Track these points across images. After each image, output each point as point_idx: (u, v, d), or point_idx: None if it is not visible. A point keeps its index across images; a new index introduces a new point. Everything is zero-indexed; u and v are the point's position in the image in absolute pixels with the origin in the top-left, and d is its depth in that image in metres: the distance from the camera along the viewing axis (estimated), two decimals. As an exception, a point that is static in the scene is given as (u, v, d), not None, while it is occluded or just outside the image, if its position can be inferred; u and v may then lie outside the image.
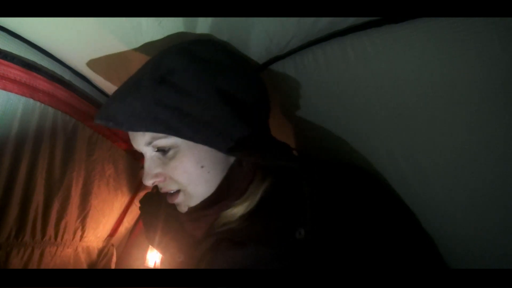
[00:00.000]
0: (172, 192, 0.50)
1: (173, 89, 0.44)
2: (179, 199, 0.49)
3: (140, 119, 0.43)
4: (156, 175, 0.48)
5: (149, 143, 0.47)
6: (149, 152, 0.48)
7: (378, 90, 0.44)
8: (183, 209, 0.51)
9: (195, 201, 0.49)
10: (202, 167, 0.47)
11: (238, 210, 0.48)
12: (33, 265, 0.71)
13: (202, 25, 0.51)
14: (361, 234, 0.42)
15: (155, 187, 0.63)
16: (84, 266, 0.89)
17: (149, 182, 0.48)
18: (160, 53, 0.50)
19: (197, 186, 0.48)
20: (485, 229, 0.38)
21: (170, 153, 0.47)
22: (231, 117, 0.45)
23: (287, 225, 0.44)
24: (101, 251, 0.98)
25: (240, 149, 0.45)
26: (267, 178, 0.49)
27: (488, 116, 0.33)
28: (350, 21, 0.43)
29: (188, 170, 0.47)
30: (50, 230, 0.75)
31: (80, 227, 0.85)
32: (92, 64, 0.66)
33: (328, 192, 0.45)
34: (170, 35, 0.53)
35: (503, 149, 0.33)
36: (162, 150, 0.47)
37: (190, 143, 0.45)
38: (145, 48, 0.57)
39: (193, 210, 0.50)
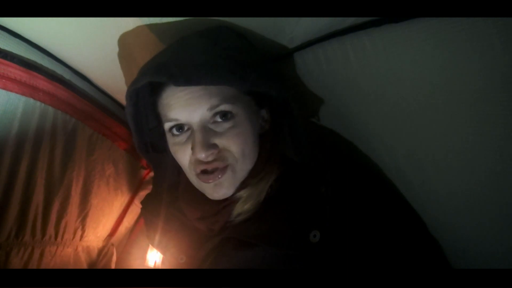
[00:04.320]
0: (217, 169, 0.48)
1: (229, 48, 0.48)
2: (224, 177, 0.48)
3: (217, 71, 0.44)
4: (212, 146, 0.47)
5: (215, 107, 0.46)
6: (204, 123, 0.47)
7: (378, 89, 0.44)
8: (222, 192, 0.49)
9: (238, 179, 0.49)
10: (253, 141, 0.49)
11: (250, 194, 0.49)
12: (33, 265, 0.71)
13: (201, 24, 0.51)
14: (372, 239, 0.42)
15: (156, 187, 0.63)
16: (84, 266, 0.89)
17: (204, 153, 0.46)
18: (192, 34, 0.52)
19: (247, 160, 0.49)
20: (485, 227, 0.38)
21: (231, 121, 0.47)
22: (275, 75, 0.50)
23: (300, 225, 0.43)
24: (101, 251, 0.98)
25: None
26: (280, 167, 0.50)
27: (488, 115, 0.33)
28: (350, 20, 0.43)
29: (246, 140, 0.48)
30: (50, 230, 0.75)
31: (80, 227, 0.84)
32: (92, 63, 0.66)
33: (343, 194, 0.45)
34: (170, 34, 0.53)
35: (503, 148, 0.33)
36: (223, 118, 0.47)
37: (247, 113, 0.48)
38: (146, 46, 0.57)
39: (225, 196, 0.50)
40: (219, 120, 0.47)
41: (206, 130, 0.47)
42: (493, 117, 0.32)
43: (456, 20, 0.32)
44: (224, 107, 0.46)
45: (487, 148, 0.34)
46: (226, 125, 0.47)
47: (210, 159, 0.47)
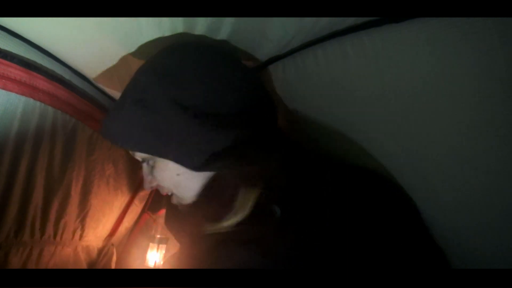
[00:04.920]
0: (169, 194, 0.53)
1: (148, 108, 0.45)
2: (174, 200, 0.53)
3: (122, 139, 0.47)
4: (151, 180, 0.51)
5: (133, 154, 0.51)
6: (144, 159, 0.51)
7: (378, 90, 0.44)
8: (181, 209, 0.54)
9: (186, 202, 0.51)
10: (178, 175, 0.48)
11: (231, 222, 0.47)
12: (32, 264, 0.71)
13: (202, 25, 0.51)
14: (373, 243, 0.41)
15: None
16: (84, 266, 0.89)
17: (147, 186, 0.53)
18: (139, 68, 0.52)
19: (182, 190, 0.50)
20: (485, 227, 0.38)
21: (150, 163, 0.50)
22: (201, 132, 0.44)
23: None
24: (101, 251, 0.98)
25: (213, 164, 0.45)
26: (258, 184, 0.46)
27: (488, 114, 0.33)
28: (350, 20, 0.43)
29: (166, 178, 0.49)
30: (49, 229, 0.75)
31: (80, 227, 0.85)
32: (92, 64, 0.66)
33: (344, 194, 0.44)
34: (170, 35, 0.53)
35: (503, 148, 0.33)
36: (146, 160, 0.51)
37: None
38: (145, 47, 0.57)
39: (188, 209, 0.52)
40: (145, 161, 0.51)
41: (145, 166, 0.52)
42: (492, 116, 0.32)
43: (456, 20, 0.32)
44: (137, 154, 0.50)
45: (486, 148, 0.34)
46: (150, 165, 0.50)
47: (157, 187, 0.53)
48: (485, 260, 0.40)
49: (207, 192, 0.48)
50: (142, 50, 0.57)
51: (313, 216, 0.43)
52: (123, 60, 0.61)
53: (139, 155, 0.50)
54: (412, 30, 0.36)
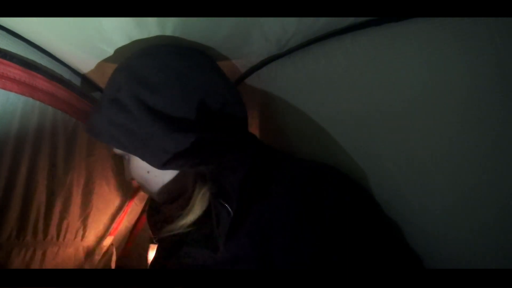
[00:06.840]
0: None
1: (121, 108, 0.48)
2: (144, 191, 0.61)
3: (101, 135, 0.50)
4: (128, 174, 0.56)
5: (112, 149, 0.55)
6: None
7: (376, 89, 0.44)
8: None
9: (154, 192, 0.55)
10: (148, 172, 0.52)
11: (184, 222, 0.48)
12: (35, 266, 0.71)
13: (201, 24, 0.51)
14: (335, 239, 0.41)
15: None
16: (85, 266, 0.89)
17: (127, 177, 0.57)
18: (116, 67, 0.55)
19: (150, 186, 0.54)
20: (478, 229, 0.38)
21: (127, 158, 0.55)
22: (164, 133, 0.47)
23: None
24: (101, 251, 0.98)
25: (176, 163, 0.48)
26: (213, 184, 0.47)
27: (487, 115, 0.33)
28: (350, 20, 0.43)
29: (137, 175, 0.54)
30: (52, 230, 0.75)
31: (82, 227, 0.84)
32: (92, 63, 0.66)
33: (338, 199, 0.44)
34: (168, 36, 0.53)
35: (501, 148, 0.33)
36: (123, 155, 0.55)
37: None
38: (134, 47, 0.56)
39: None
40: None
41: (125, 160, 0.57)
42: (490, 116, 0.32)
43: (454, 20, 0.32)
44: (114, 150, 0.54)
45: (485, 149, 0.34)
46: (127, 159, 0.55)
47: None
48: (483, 259, 0.40)
49: (171, 192, 0.53)
50: (131, 50, 0.57)
51: (274, 214, 0.43)
52: (118, 59, 0.61)
53: (116, 150, 0.53)
54: (411, 29, 0.36)
